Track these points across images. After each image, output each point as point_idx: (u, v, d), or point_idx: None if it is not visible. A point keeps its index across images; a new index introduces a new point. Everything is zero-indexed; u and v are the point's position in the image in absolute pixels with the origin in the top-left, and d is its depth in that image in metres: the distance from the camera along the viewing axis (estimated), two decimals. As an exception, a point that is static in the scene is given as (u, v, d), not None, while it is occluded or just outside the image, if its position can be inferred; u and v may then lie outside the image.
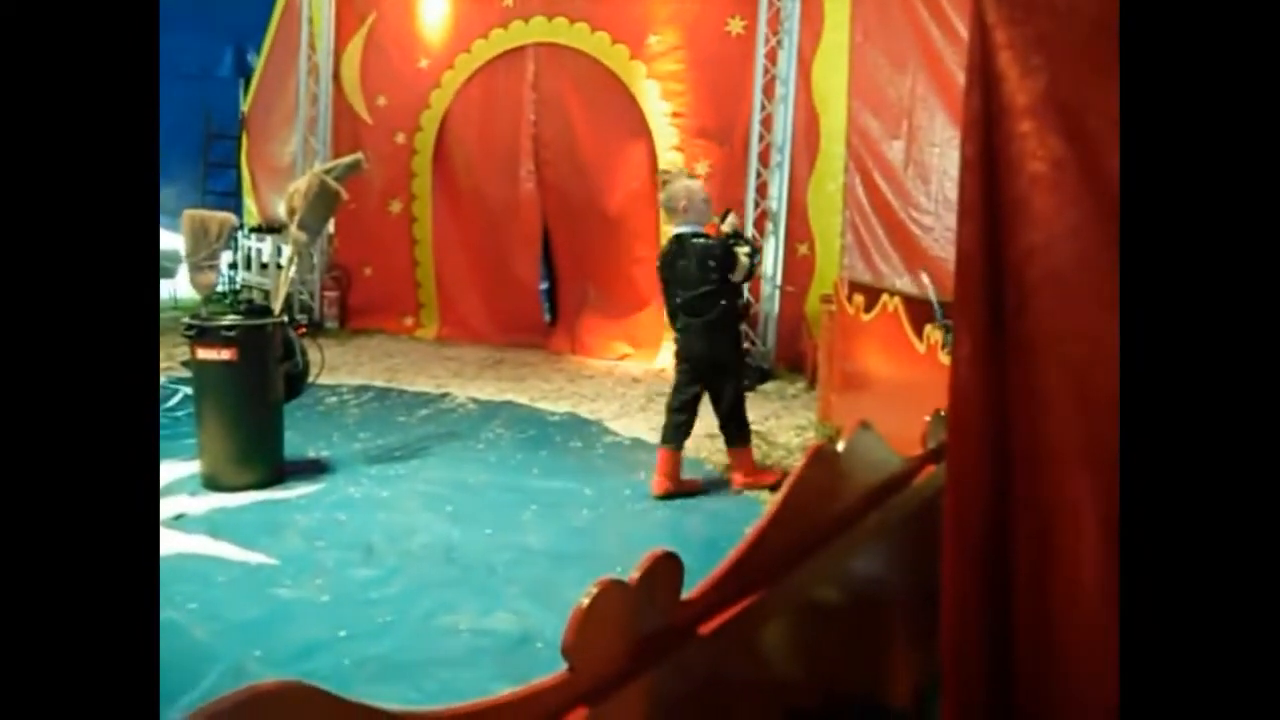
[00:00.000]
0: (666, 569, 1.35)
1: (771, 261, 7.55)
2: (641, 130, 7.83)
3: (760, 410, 6.45)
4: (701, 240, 4.53)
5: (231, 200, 10.59)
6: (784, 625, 1.85)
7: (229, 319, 4.43)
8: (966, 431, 1.32)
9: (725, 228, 4.63)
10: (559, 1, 8.21)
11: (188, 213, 4.59)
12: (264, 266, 9.22)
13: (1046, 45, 1.20)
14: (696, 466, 5.21)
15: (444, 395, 6.60)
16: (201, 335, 4.41)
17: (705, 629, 1.51)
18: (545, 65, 8.41)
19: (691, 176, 4.84)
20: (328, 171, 4.71)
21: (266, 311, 4.62)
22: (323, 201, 4.58)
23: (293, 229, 4.57)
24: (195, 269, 4.55)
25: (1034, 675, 1.29)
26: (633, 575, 1.30)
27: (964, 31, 5.91)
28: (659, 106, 7.75)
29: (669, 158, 7.65)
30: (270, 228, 9.10)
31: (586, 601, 1.20)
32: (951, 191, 6.20)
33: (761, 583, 1.69)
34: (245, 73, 11.52)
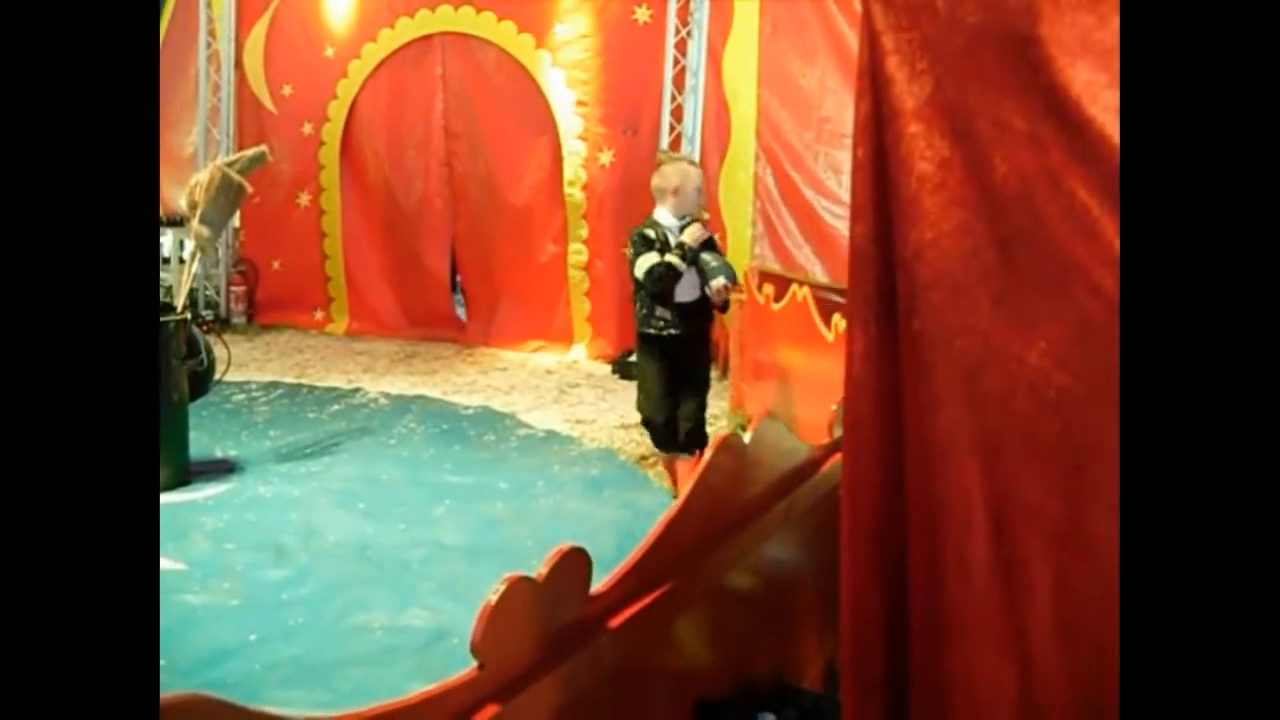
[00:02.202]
0: (574, 563, 1.37)
1: (683, 251, 7.61)
2: (547, 120, 7.81)
3: (674, 399, 6.52)
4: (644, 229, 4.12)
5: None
6: (695, 614, 1.89)
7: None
8: (860, 424, 1.37)
9: (686, 238, 4.02)
10: (466, -10, 8.15)
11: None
12: (164, 261, 8.98)
13: (931, 50, 1.25)
14: (609, 457, 5.25)
15: (355, 390, 6.52)
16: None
17: (615, 621, 1.53)
18: (452, 55, 8.32)
19: (691, 162, 4.46)
20: (231, 164, 4.61)
21: (169, 308, 4.52)
22: (226, 195, 4.49)
23: (194, 223, 4.47)
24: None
25: (928, 654, 1.35)
26: (540, 571, 1.32)
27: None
28: (565, 95, 7.73)
29: (573, 147, 7.65)
30: (171, 221, 8.84)
31: (494, 598, 1.22)
32: (862, 182, 6.31)
33: (671, 573, 1.73)
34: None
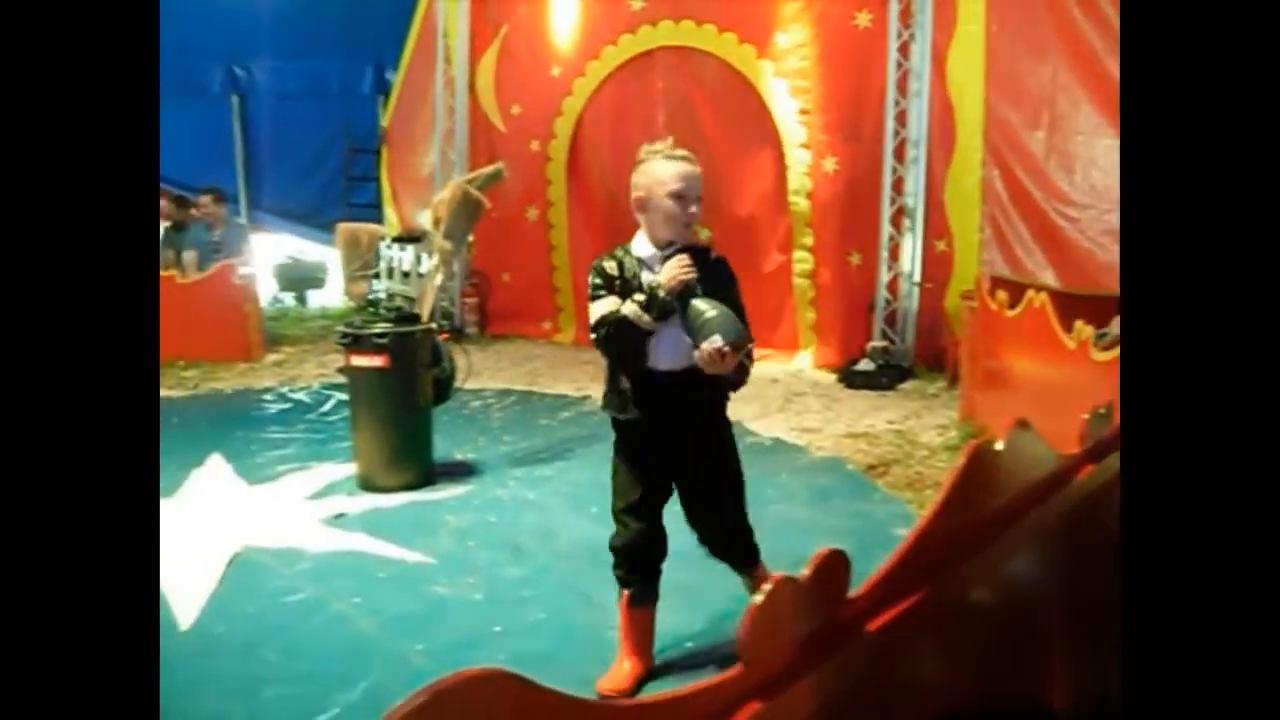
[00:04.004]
0: (836, 566, 1.37)
1: (910, 258, 7.44)
2: (770, 130, 7.80)
3: (900, 410, 6.38)
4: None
5: (373, 212, 10.98)
6: (944, 625, 1.84)
7: (381, 327, 4.61)
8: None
9: (660, 277, 2.68)
10: (685, 4, 8.25)
11: (341, 226, 4.80)
12: (405, 275, 9.50)
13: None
14: (837, 466, 5.18)
15: (584, 398, 6.71)
16: (355, 343, 4.61)
17: (870, 627, 1.52)
18: (674, 68, 8.46)
19: (673, 156, 2.77)
20: (470, 181, 4.85)
21: (415, 319, 4.80)
22: (466, 211, 4.73)
23: (438, 238, 4.73)
24: (349, 279, 4.76)
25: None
26: (804, 572, 1.32)
27: (1113, 16, 5.72)
28: (787, 105, 7.71)
29: (797, 156, 7.61)
30: (411, 237, 9.37)
31: (761, 599, 1.23)
32: (1099, 181, 5.99)
33: (923, 581, 1.69)
34: (384, 89, 11.94)
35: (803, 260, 7.74)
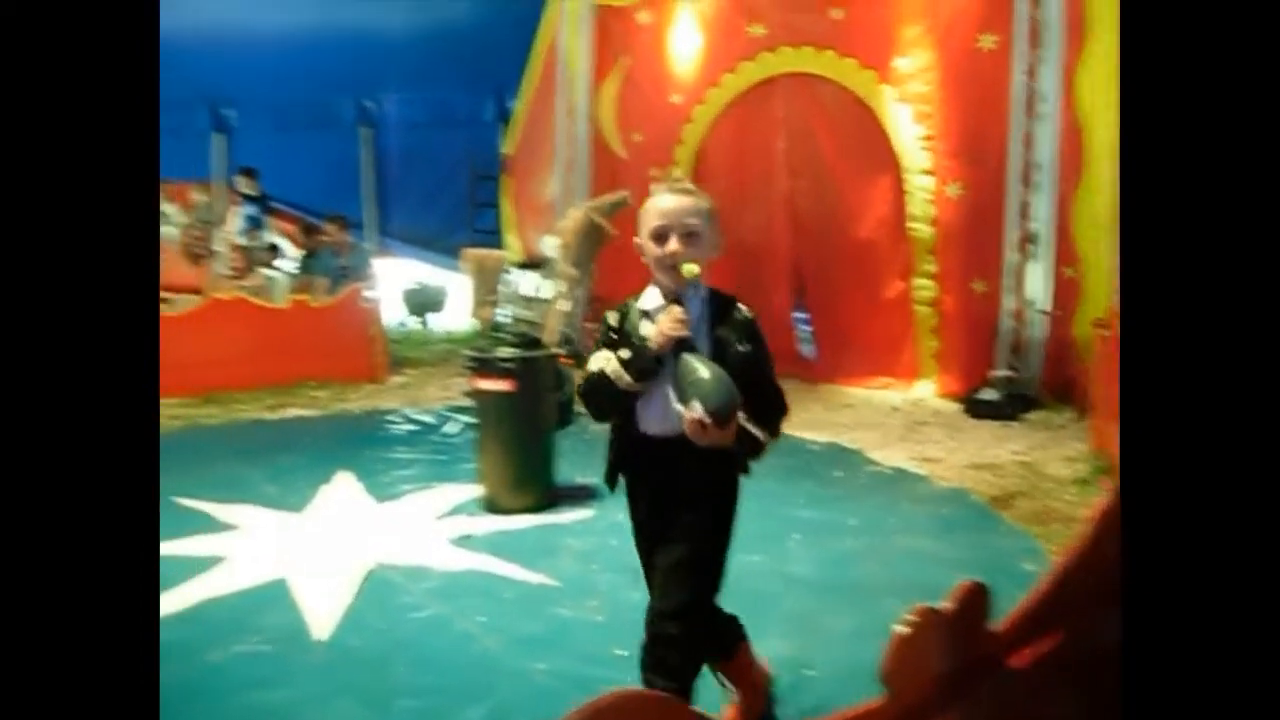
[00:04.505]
0: (978, 599, 1.36)
1: (1037, 285, 7.25)
2: (889, 155, 7.72)
3: (1026, 440, 6.22)
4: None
5: (495, 237, 11.24)
6: (1084, 670, 1.80)
7: (507, 351, 4.72)
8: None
9: (650, 331, 2.35)
10: (805, 31, 8.24)
11: (468, 252, 4.93)
12: (527, 300, 9.71)
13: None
14: (961, 497, 5.08)
15: (704, 424, 6.71)
16: (482, 367, 4.72)
17: (1010, 663, 1.50)
18: (794, 94, 8.45)
19: (675, 189, 2.42)
20: (595, 209, 4.93)
21: (539, 344, 4.89)
22: (591, 238, 4.81)
23: (564, 265, 4.82)
24: (477, 304, 4.88)
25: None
26: (947, 604, 1.32)
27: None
28: (909, 130, 7.62)
29: (919, 182, 7.51)
30: (533, 263, 9.58)
31: (906, 629, 1.23)
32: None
33: (1063, 620, 1.66)
34: (505, 117, 12.22)
35: (924, 287, 7.63)
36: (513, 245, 10.89)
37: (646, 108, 9.39)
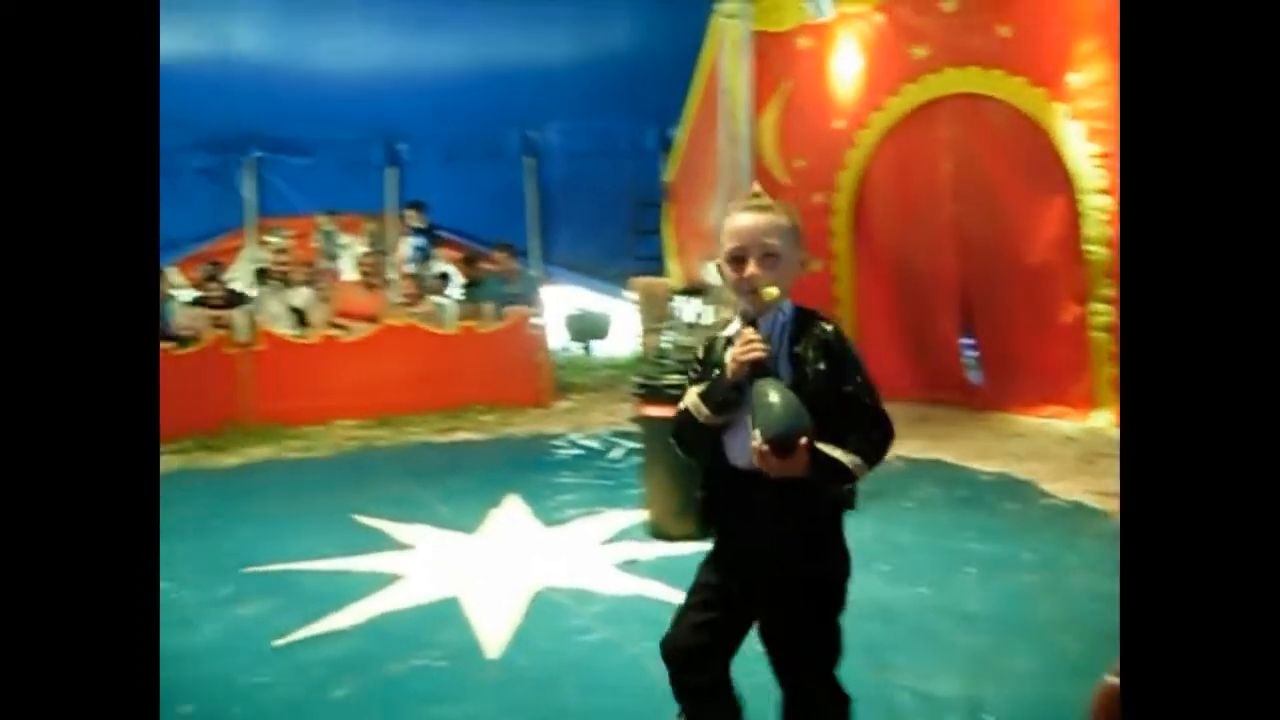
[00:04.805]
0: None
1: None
2: (1062, 176, 7.44)
3: None
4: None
5: (656, 264, 11.35)
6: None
7: (675, 379, 4.75)
8: None
9: (729, 359, 2.17)
10: (970, 50, 8.03)
11: (637, 280, 4.99)
12: (690, 327, 9.75)
13: None
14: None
15: (867, 452, 6.60)
16: (649, 393, 4.77)
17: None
18: (959, 115, 8.24)
19: (753, 204, 2.24)
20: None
21: (702, 369, 4.90)
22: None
23: (729, 292, 4.82)
24: (647, 331, 4.93)
25: None
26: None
27: None
28: (1083, 148, 7.31)
29: (1095, 202, 7.20)
30: (694, 290, 9.63)
31: (1115, 679, 1.18)
32: None
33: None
34: (666, 145, 12.36)
35: (1101, 313, 7.29)
36: (674, 272, 10.97)
37: (808, 133, 9.34)
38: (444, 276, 10.83)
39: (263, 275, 9.94)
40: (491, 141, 13.42)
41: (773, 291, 2.14)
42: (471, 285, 10.52)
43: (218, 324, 8.80)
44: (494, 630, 3.75)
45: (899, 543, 4.68)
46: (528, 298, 9.37)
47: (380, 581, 4.32)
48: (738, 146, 9.73)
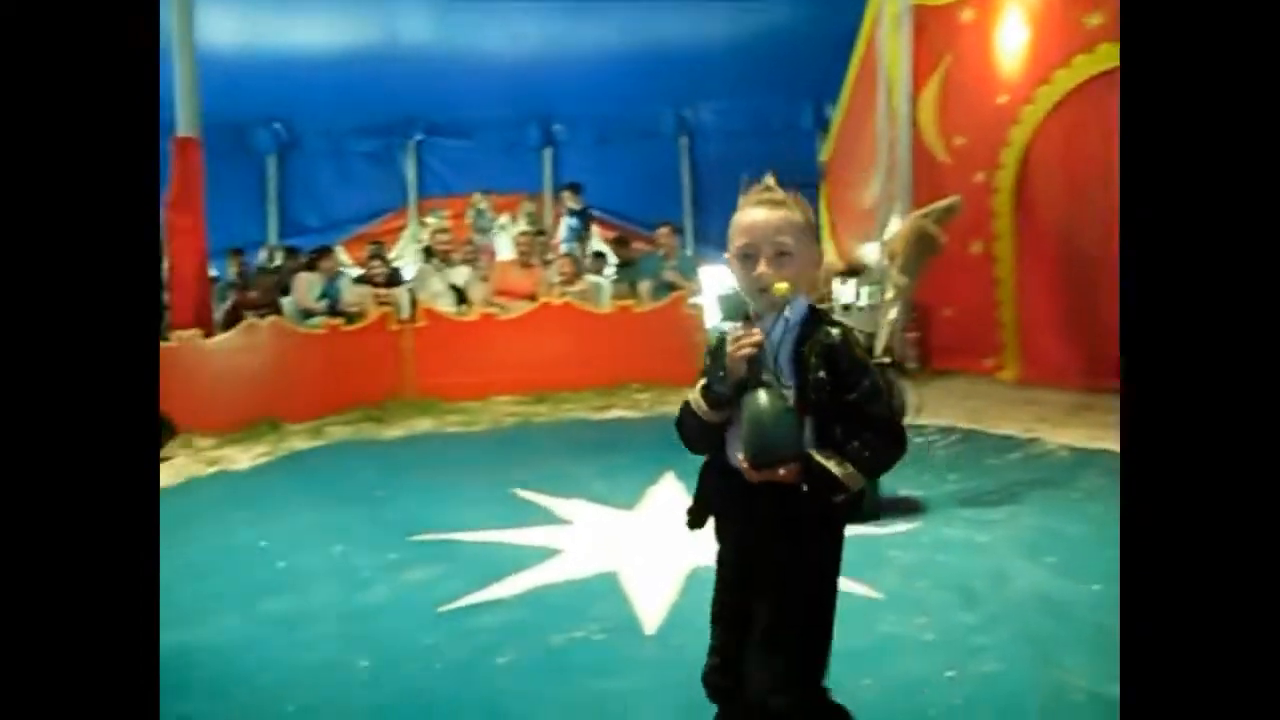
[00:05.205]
0: None
1: None
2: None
3: None
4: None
5: (810, 245, 11.20)
6: None
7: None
8: None
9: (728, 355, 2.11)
10: (1154, 16, 7.62)
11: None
12: (845, 309, 9.61)
13: None
14: None
15: (1033, 440, 6.40)
16: (808, 374, 4.71)
17: None
18: (1136, 88, 7.84)
19: (764, 198, 2.17)
20: (928, 216, 4.81)
21: (869, 353, 4.82)
22: (922, 246, 4.70)
23: (894, 273, 4.74)
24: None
25: None
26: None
27: None
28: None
29: None
30: (851, 271, 9.48)
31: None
32: None
33: None
34: (823, 124, 12.18)
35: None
36: (830, 253, 10.83)
37: (970, 109, 9.05)
38: (599, 256, 10.96)
39: (429, 254, 10.28)
40: (646, 122, 13.50)
41: (783, 288, 2.05)
42: (624, 265, 10.61)
43: (381, 301, 9.14)
44: (651, 606, 3.79)
45: (1067, 535, 4.52)
46: (685, 277, 9.40)
47: (540, 554, 4.42)
48: (897, 124, 9.50)
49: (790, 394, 2.03)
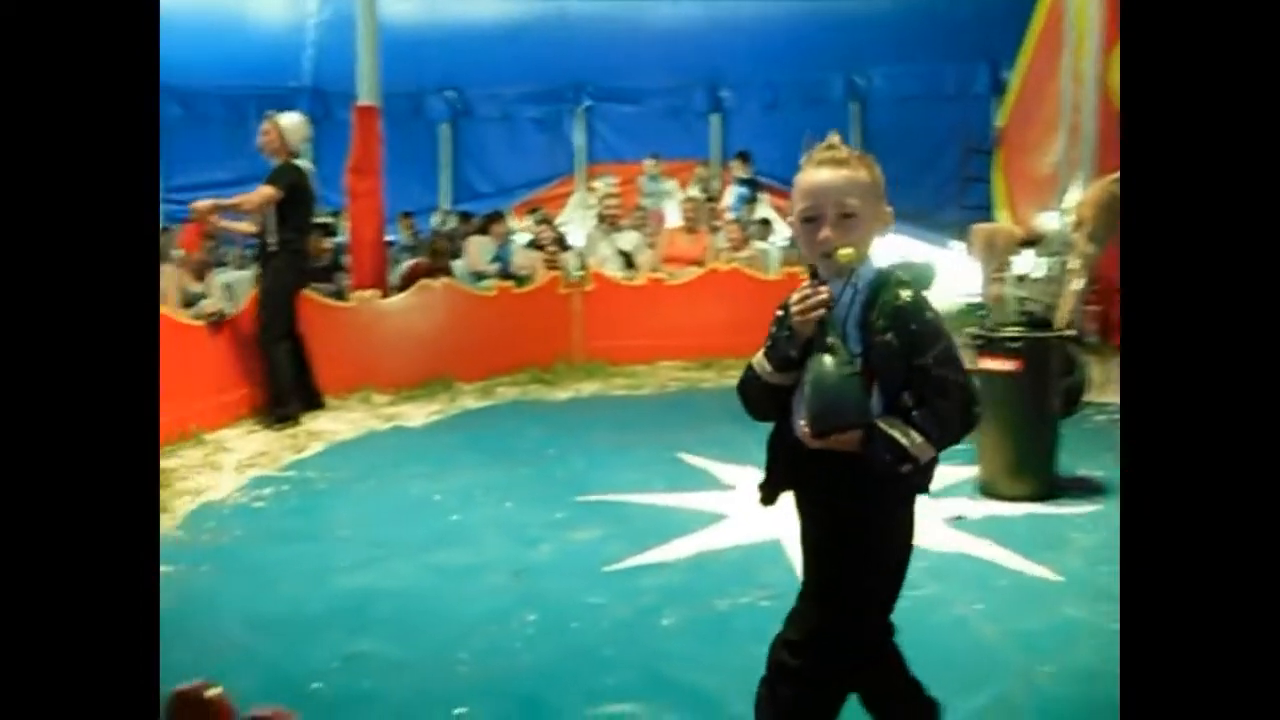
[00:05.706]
0: None
1: None
2: None
3: None
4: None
5: (984, 213, 10.82)
6: None
7: (1014, 331, 4.51)
8: None
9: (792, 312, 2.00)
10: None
11: (977, 227, 4.77)
12: (1020, 279, 9.25)
13: None
14: None
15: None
16: (987, 345, 4.55)
17: None
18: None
19: (826, 157, 2.04)
20: (1117, 181, 4.55)
21: (1046, 324, 4.62)
22: (1113, 213, 4.45)
23: (1081, 241, 4.51)
24: (988, 281, 4.72)
25: None
26: None
27: None
28: None
29: None
30: (1029, 240, 9.09)
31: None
32: None
33: None
34: (999, 88, 11.70)
35: None
36: (1004, 221, 10.43)
37: (1167, 68, 8.50)
38: (766, 222, 10.86)
39: (602, 219, 10.40)
40: (815, 87, 13.27)
41: (848, 253, 1.94)
42: (762, 225, 10.53)
43: (551, 265, 9.29)
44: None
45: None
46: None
47: (705, 519, 4.42)
48: (1084, 86, 9.03)
49: (857, 360, 1.93)
